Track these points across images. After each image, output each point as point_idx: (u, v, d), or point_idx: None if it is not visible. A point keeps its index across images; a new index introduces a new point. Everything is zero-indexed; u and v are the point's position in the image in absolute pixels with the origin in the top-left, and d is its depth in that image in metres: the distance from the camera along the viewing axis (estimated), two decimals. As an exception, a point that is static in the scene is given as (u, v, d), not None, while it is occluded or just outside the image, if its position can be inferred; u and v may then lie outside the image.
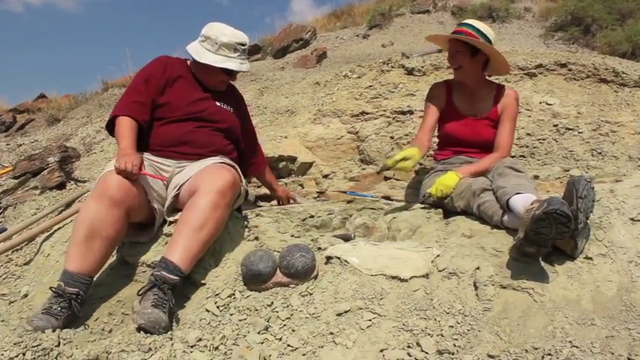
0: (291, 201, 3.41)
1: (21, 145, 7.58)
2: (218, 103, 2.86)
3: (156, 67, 2.79)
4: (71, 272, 2.21)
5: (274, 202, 3.46)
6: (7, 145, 7.74)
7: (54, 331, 1.99)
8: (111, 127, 2.68)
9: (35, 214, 3.92)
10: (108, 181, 2.35)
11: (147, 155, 2.65)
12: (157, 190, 2.56)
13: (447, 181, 2.89)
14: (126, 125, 2.57)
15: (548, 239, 2.11)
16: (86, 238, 2.26)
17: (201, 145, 2.73)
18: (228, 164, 2.65)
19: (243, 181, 2.76)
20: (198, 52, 2.76)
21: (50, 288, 2.27)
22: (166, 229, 2.58)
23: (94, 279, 2.34)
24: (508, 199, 2.44)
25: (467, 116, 3.18)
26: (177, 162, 2.69)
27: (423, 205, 3.10)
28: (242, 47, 2.78)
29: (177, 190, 2.55)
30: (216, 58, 2.72)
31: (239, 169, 2.74)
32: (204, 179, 2.44)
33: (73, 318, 2.19)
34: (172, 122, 2.71)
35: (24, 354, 1.80)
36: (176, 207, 2.60)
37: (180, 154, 2.70)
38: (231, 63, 2.74)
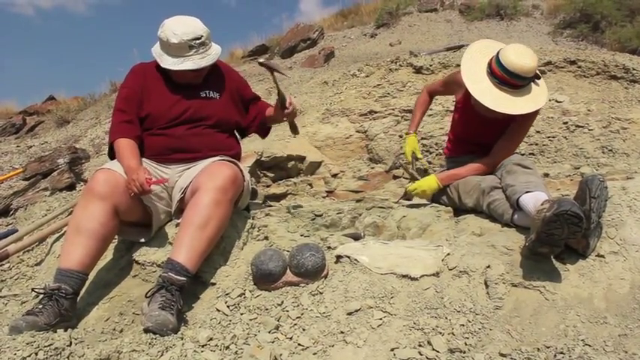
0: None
1: (31, 146, 7.64)
2: (202, 94, 2.76)
3: (131, 81, 2.74)
4: (58, 269, 2.24)
5: (283, 201, 3.43)
6: (18, 147, 7.80)
7: (41, 328, 2.00)
8: (112, 154, 2.69)
9: (46, 215, 3.93)
10: (94, 178, 2.39)
11: (145, 160, 2.65)
12: (154, 189, 2.50)
13: (426, 189, 2.99)
14: (123, 146, 2.55)
15: (561, 240, 2.09)
16: (73, 234, 2.29)
17: (196, 150, 2.69)
18: (228, 161, 2.62)
19: (247, 177, 2.75)
20: (159, 55, 2.66)
21: (32, 289, 2.29)
22: (177, 229, 2.59)
23: (95, 276, 2.35)
24: (518, 198, 2.43)
25: (482, 116, 2.96)
26: (177, 166, 2.68)
27: (432, 204, 3.09)
28: (197, 42, 2.59)
29: (182, 193, 2.54)
30: (173, 61, 2.60)
31: (240, 165, 2.72)
32: (204, 177, 2.43)
33: (65, 315, 2.15)
34: (160, 130, 2.67)
35: (36, 353, 1.81)
36: (183, 209, 2.60)
37: (177, 160, 2.69)
38: (189, 62, 2.60)
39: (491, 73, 2.75)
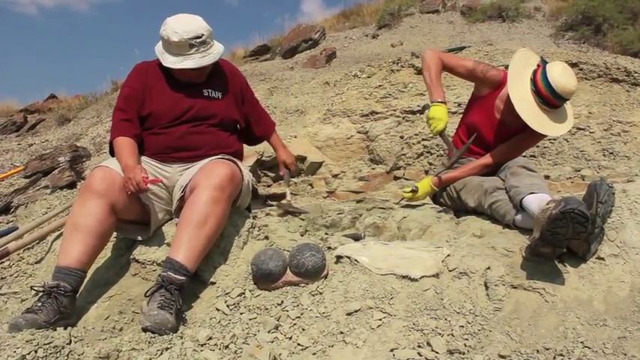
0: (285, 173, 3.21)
1: (32, 144, 7.63)
2: (205, 92, 2.75)
3: (133, 81, 2.73)
4: (57, 267, 2.24)
5: (284, 200, 3.42)
6: (19, 144, 7.80)
7: (42, 326, 2.00)
8: (113, 152, 2.68)
9: (46, 213, 3.94)
10: (92, 176, 2.41)
11: (146, 159, 2.66)
12: (151, 189, 2.51)
13: (420, 194, 3.01)
14: (121, 145, 2.56)
15: (565, 239, 2.09)
16: (71, 232, 2.29)
17: (197, 148, 2.69)
18: (227, 159, 2.61)
19: (247, 176, 2.75)
20: (161, 53, 2.66)
21: (31, 287, 2.28)
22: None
23: (97, 275, 2.35)
24: (522, 199, 2.43)
25: (499, 120, 2.93)
26: (178, 165, 2.68)
27: (433, 205, 3.09)
28: (198, 40, 2.57)
29: (182, 191, 2.54)
30: (174, 59, 2.60)
31: (239, 163, 2.72)
32: (202, 176, 2.44)
33: (64, 312, 2.15)
34: (162, 129, 2.67)
35: (36, 351, 1.81)
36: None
37: (178, 159, 2.69)
38: (189, 61, 2.58)
39: (537, 92, 2.70)
